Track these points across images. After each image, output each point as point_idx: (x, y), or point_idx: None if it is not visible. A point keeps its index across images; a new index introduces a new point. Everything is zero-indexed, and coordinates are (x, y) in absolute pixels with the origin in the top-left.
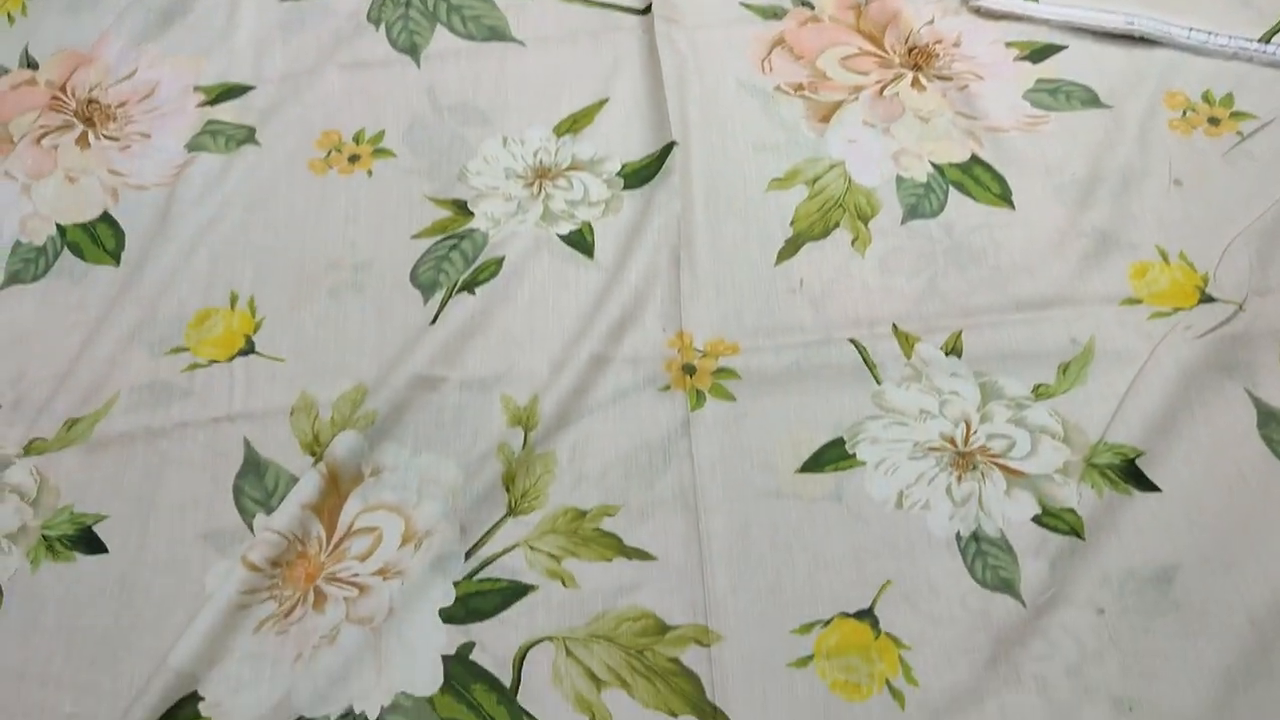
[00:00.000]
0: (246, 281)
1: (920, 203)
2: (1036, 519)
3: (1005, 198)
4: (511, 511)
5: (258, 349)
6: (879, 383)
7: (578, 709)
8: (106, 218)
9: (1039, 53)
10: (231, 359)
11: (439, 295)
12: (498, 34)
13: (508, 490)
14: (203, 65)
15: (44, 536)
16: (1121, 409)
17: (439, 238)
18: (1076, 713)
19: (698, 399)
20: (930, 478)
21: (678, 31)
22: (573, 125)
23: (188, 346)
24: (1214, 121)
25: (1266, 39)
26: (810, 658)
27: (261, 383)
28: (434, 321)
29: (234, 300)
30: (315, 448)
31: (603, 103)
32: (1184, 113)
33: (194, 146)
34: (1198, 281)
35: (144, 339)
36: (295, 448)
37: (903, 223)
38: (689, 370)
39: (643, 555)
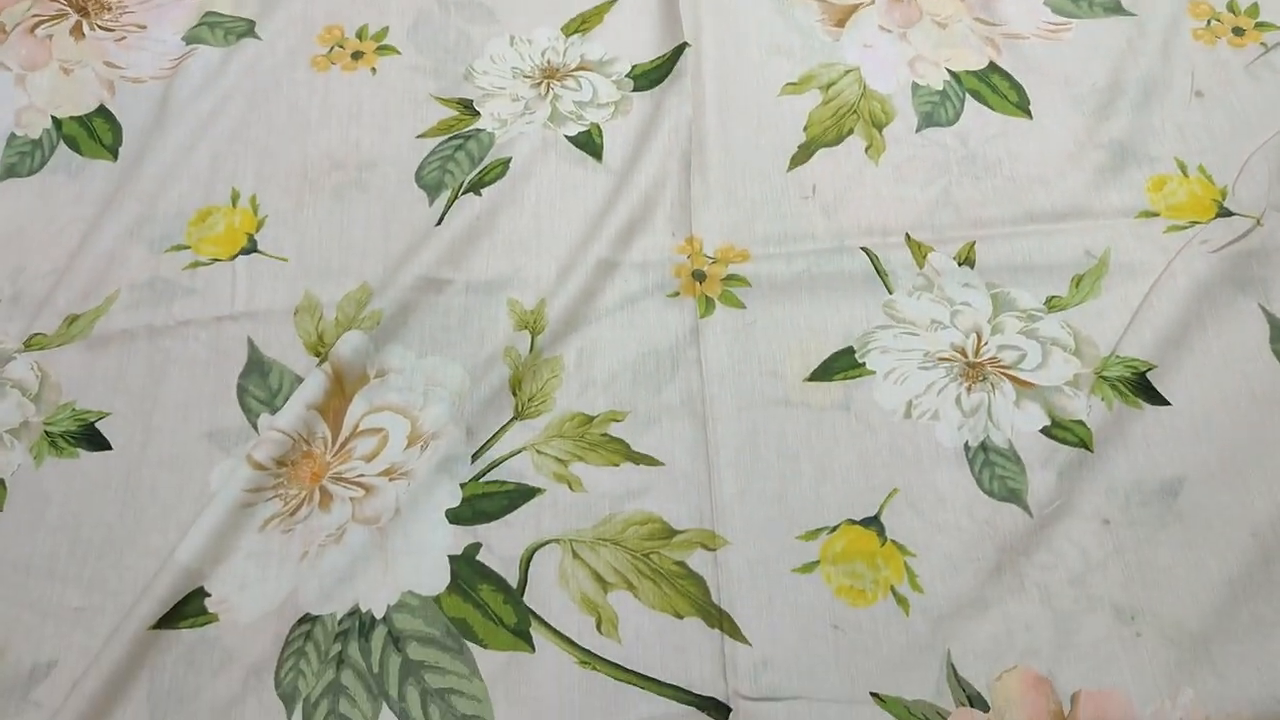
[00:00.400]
0: (248, 179)
1: (936, 111)
2: (1045, 430)
3: (1023, 107)
4: (518, 415)
5: (260, 248)
6: (890, 292)
7: (584, 610)
8: (103, 111)
9: None
10: (234, 258)
11: (444, 196)
12: None
13: (514, 394)
14: None
15: (46, 432)
16: (1134, 323)
17: (444, 138)
18: (1078, 621)
19: (707, 306)
20: (940, 388)
21: None
22: (581, 25)
23: (189, 244)
24: (1238, 32)
25: None
26: (816, 563)
27: (265, 282)
28: (439, 223)
29: (235, 198)
30: (320, 348)
31: (612, 2)
32: (1208, 22)
33: (191, 39)
34: (1216, 195)
35: (144, 236)
36: (299, 348)
37: (917, 131)
38: (699, 277)
39: (650, 461)
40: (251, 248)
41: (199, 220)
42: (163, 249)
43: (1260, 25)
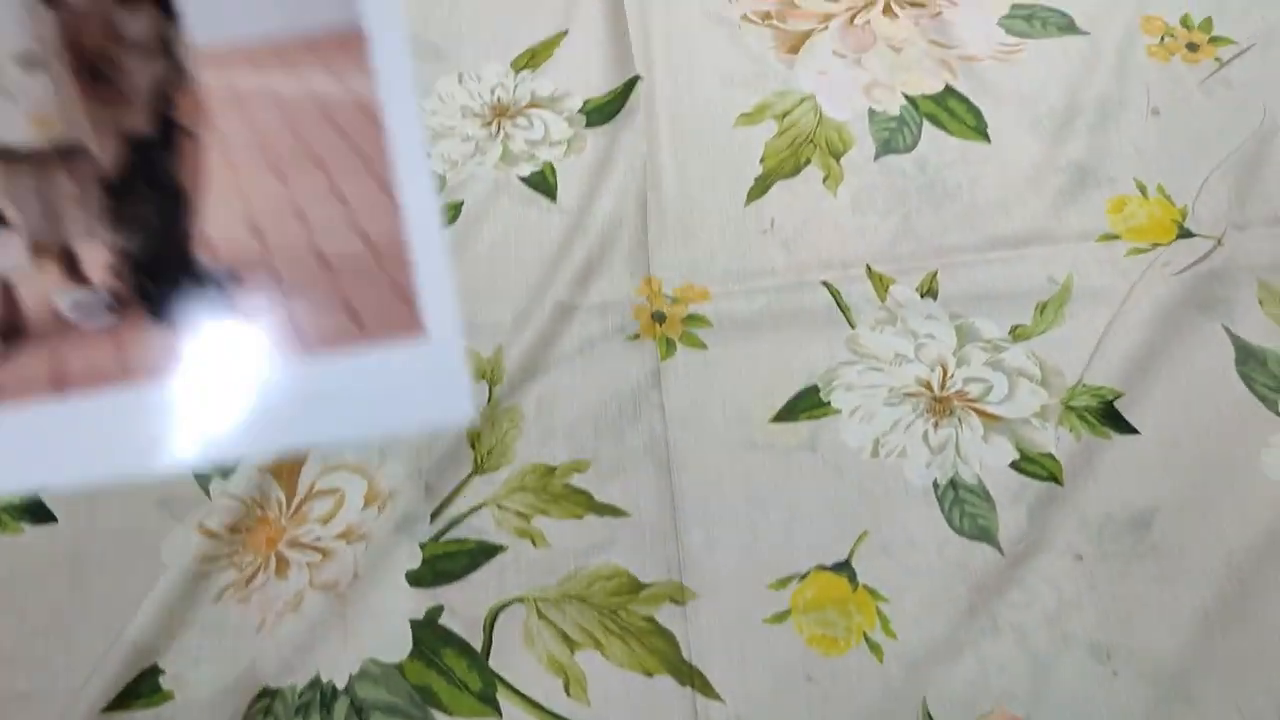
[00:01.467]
0: None
1: (893, 137)
2: (1014, 464)
3: (980, 131)
4: (478, 469)
5: None
6: (853, 326)
7: (551, 671)
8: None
9: None
10: None
11: None
12: None
13: (473, 447)
14: None
15: None
16: (1099, 350)
17: None
18: (1054, 661)
19: (668, 348)
20: (906, 424)
21: None
22: (531, 59)
23: None
24: (1192, 48)
25: None
26: (787, 613)
27: None
28: None
29: None
30: None
31: (562, 35)
32: (1162, 38)
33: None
34: (1176, 216)
35: None
36: None
37: (876, 159)
38: (658, 318)
39: (614, 511)
40: None
41: None
42: None
43: (1214, 40)
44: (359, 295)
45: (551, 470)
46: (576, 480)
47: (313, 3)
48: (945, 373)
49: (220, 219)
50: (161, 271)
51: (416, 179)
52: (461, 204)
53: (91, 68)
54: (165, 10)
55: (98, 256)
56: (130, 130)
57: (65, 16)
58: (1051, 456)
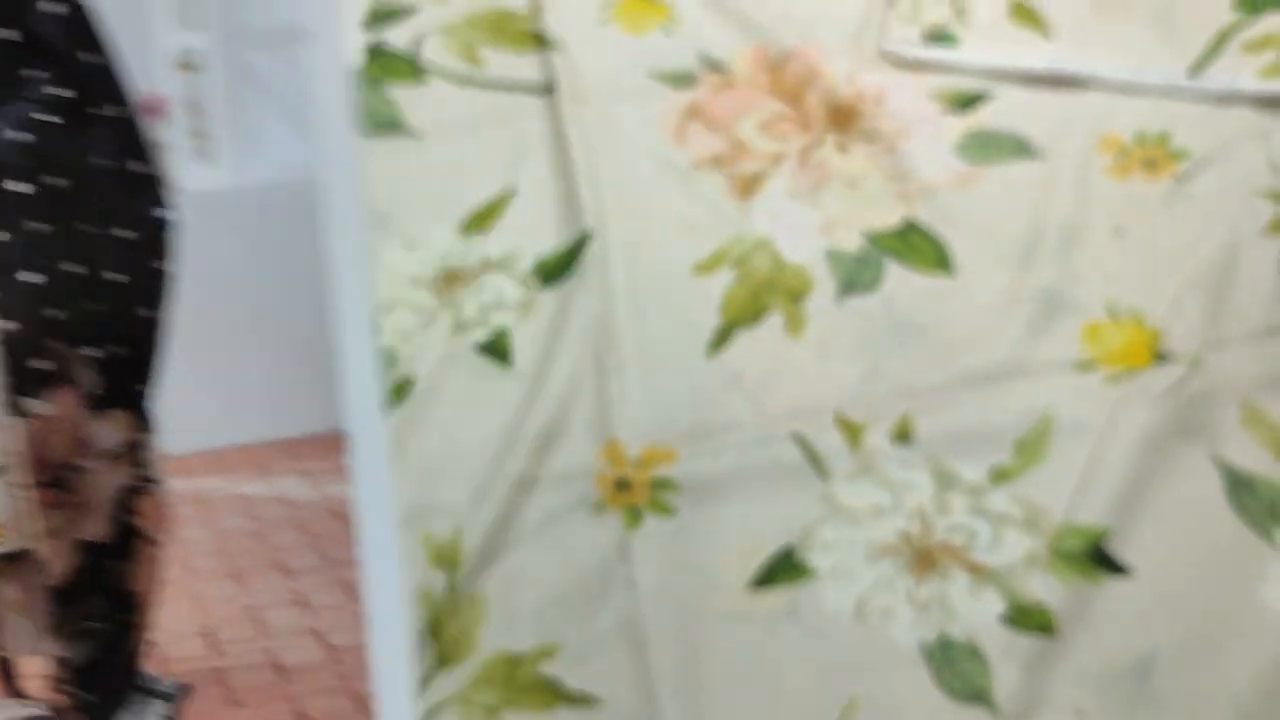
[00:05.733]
0: None
1: (855, 277)
2: (1004, 618)
3: (944, 264)
4: (440, 664)
5: None
6: (826, 480)
7: None
8: None
9: (965, 103)
10: None
11: None
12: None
13: (435, 639)
14: None
15: None
16: (1083, 486)
17: None
18: None
19: (634, 517)
20: (889, 581)
21: (585, 110)
22: (480, 222)
23: None
24: (1150, 165)
25: (1195, 71)
26: None
27: None
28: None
29: None
30: None
31: (511, 195)
32: (1119, 157)
33: None
34: (1149, 338)
35: None
36: None
37: (837, 300)
38: (622, 485)
39: (586, 700)
40: None
41: None
42: None
43: (1172, 154)
44: (316, 707)
45: (519, 658)
46: (545, 667)
47: (295, 412)
48: (925, 523)
49: (174, 626)
50: (105, 684)
51: (387, 580)
52: (414, 379)
53: (56, 477)
54: (139, 419)
55: (37, 667)
56: (87, 537)
57: (34, 427)
58: (1042, 607)
